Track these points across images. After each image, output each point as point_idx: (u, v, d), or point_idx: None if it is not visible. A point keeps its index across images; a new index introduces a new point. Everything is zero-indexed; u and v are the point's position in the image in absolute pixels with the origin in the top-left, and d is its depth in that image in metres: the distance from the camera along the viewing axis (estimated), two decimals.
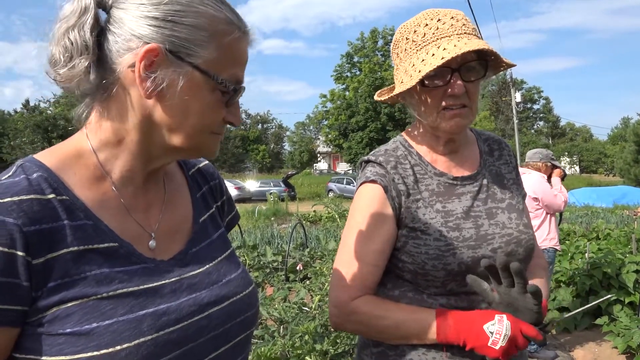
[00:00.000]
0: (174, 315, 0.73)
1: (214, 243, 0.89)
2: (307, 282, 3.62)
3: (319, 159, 62.92)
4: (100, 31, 0.73)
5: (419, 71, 1.10)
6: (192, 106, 0.74)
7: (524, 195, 1.32)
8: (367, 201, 1.17)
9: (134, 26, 0.71)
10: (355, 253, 1.16)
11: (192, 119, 0.75)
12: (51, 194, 0.70)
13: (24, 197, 0.67)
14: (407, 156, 1.22)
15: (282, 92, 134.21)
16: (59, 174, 0.73)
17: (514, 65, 1.18)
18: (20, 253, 0.65)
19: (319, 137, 59.07)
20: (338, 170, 54.04)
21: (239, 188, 26.18)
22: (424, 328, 1.08)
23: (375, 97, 1.30)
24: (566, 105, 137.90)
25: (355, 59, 47.51)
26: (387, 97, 1.25)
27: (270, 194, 18.62)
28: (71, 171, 0.74)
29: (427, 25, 1.14)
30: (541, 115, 66.30)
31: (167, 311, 0.72)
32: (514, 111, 25.08)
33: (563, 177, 4.56)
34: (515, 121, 23.82)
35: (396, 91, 1.19)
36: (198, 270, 0.82)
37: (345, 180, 30.03)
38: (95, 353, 0.66)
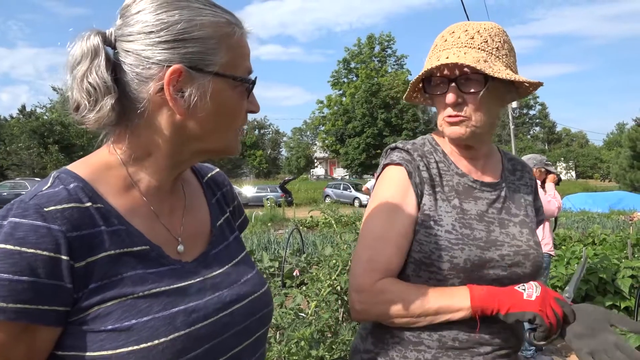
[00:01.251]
0: (202, 312, 0.78)
1: (230, 245, 0.95)
2: (304, 287, 3.61)
3: (315, 165, 62.98)
4: (113, 67, 0.77)
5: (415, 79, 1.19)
6: (221, 110, 0.80)
7: (539, 221, 1.34)
8: (392, 182, 1.18)
9: (149, 54, 0.76)
10: (379, 234, 1.14)
11: (223, 121, 0.82)
12: (88, 202, 0.75)
13: (66, 206, 0.72)
14: (432, 152, 1.25)
15: (279, 97, 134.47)
16: (92, 184, 0.77)
17: (528, 82, 1.16)
18: (64, 257, 0.69)
19: (316, 142, 59.09)
20: (335, 175, 54.06)
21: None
22: (457, 296, 1.07)
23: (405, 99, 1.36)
24: (562, 111, 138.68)
25: (352, 64, 47.73)
26: (421, 100, 1.33)
27: (267, 199, 18.61)
28: (103, 181, 0.79)
29: (443, 36, 1.20)
30: (537, 121, 66.63)
31: (196, 309, 0.78)
32: (510, 117, 25.18)
33: (558, 181, 4.58)
34: (512, 127, 23.87)
35: (407, 93, 1.31)
36: (219, 271, 0.87)
37: (342, 185, 30.04)
38: (135, 347, 0.71)
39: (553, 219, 4.64)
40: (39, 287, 0.67)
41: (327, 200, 25.99)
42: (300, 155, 59.53)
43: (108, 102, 0.75)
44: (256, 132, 65.49)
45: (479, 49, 1.15)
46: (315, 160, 62.62)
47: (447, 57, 1.13)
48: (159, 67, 0.76)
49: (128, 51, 0.77)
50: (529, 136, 63.83)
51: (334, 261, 3.25)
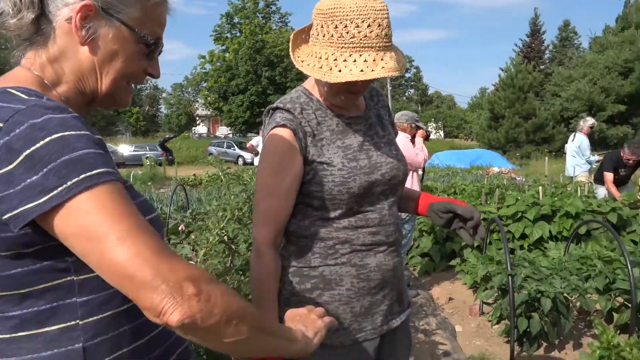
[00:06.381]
0: None
1: None
2: (192, 236, 3.68)
3: (197, 122, 61.00)
4: None
5: (339, 71, 1.24)
6: (118, 54, 0.91)
7: (396, 132, 1.62)
8: (279, 143, 1.35)
9: None
10: (268, 190, 1.36)
11: (117, 65, 0.91)
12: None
13: (59, 104, 0.81)
14: (309, 102, 1.41)
15: None
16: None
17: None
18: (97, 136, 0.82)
19: (198, 99, 57.00)
20: (218, 133, 52.91)
21: (110, 152, 24.44)
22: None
23: (292, 38, 1.37)
24: (434, 74, 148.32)
25: (236, 19, 46.21)
26: (295, 58, 1.35)
27: (147, 158, 17.81)
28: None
29: (358, 26, 1.22)
30: (412, 83, 70.76)
31: None
32: (388, 79, 26.45)
33: (427, 137, 5.07)
34: (389, 88, 25.22)
35: (311, 73, 1.30)
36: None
37: (225, 144, 29.63)
38: None
39: (421, 171, 5.14)
40: (109, 159, 0.80)
41: (210, 158, 25.49)
42: (181, 113, 57.17)
43: (29, 15, 0.86)
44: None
45: (390, 47, 1.27)
46: (197, 118, 60.60)
47: (374, 61, 1.22)
48: None
49: None
50: (404, 97, 67.68)
51: (221, 213, 3.34)
